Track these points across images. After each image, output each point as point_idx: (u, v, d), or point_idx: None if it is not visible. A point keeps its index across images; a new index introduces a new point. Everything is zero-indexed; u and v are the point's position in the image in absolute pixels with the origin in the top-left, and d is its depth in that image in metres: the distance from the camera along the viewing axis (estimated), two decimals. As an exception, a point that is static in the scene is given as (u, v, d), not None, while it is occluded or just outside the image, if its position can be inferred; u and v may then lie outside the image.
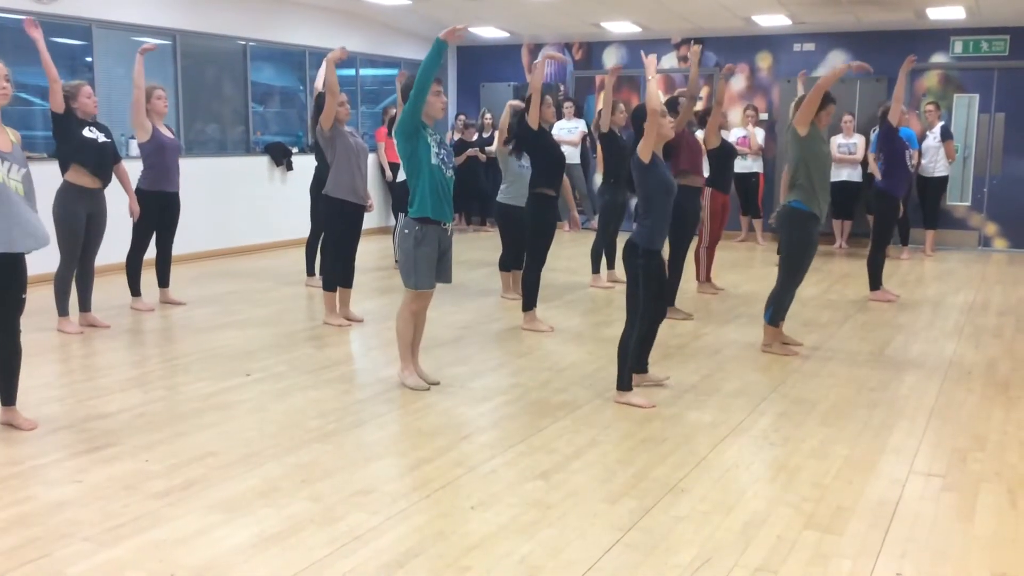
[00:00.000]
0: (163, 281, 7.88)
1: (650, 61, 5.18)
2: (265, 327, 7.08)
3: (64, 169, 6.73)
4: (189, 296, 8.14)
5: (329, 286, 7.15)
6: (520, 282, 7.42)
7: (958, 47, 12.12)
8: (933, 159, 11.40)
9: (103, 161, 6.80)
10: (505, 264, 8.37)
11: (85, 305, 6.98)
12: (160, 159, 7.47)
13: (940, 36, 12.11)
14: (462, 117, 13.95)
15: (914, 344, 6.79)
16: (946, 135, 11.37)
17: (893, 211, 8.36)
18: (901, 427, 4.84)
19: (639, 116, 5.20)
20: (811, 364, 6.13)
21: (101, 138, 6.82)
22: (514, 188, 7.81)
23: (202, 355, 6.24)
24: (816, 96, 6.15)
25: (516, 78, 14.05)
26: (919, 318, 7.72)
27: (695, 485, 4.00)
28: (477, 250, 11.49)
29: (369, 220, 7.29)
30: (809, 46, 12.84)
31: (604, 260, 9.06)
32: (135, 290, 7.67)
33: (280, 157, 11.73)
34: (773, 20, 12.09)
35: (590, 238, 9.39)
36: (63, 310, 6.80)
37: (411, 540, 3.43)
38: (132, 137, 9.91)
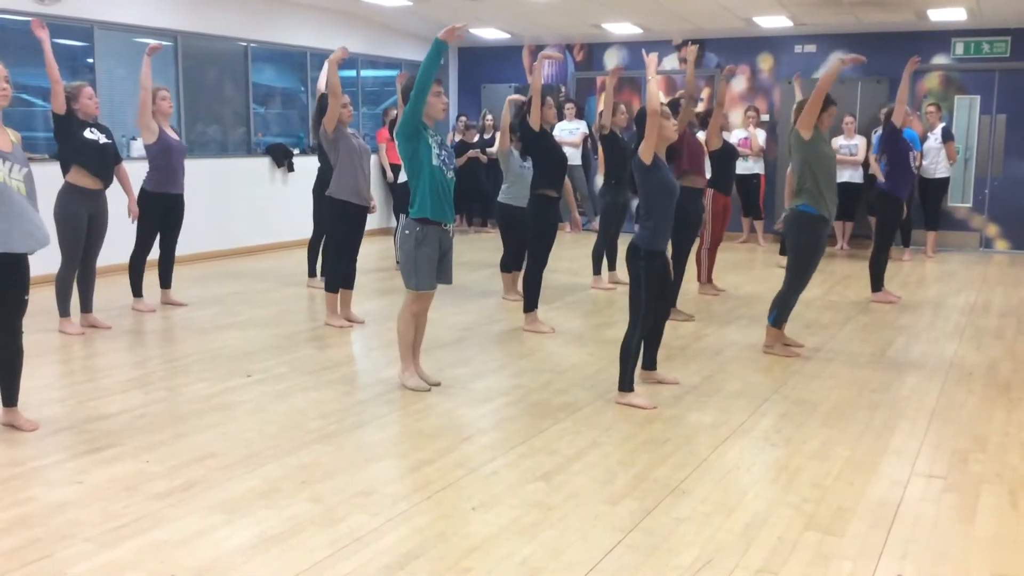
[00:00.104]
0: (165, 282, 7.88)
1: (651, 60, 5.18)
2: (266, 328, 7.08)
3: (65, 170, 6.74)
4: (190, 297, 8.14)
5: (331, 287, 7.15)
6: (521, 283, 7.41)
7: (959, 48, 12.13)
8: (934, 160, 11.39)
9: (104, 162, 6.81)
10: (506, 265, 8.37)
11: (86, 306, 6.99)
12: (167, 161, 7.48)
13: (941, 37, 12.12)
14: (463, 118, 13.96)
15: (915, 345, 6.78)
16: (947, 136, 11.37)
17: (896, 212, 8.36)
18: (902, 428, 4.84)
19: (643, 118, 5.21)
20: (812, 365, 6.13)
21: (102, 139, 6.82)
22: (515, 189, 7.81)
23: (203, 356, 6.24)
24: (818, 99, 6.15)
25: (517, 79, 14.04)
26: (920, 319, 7.72)
27: (696, 486, 4.00)
28: (478, 251, 11.49)
29: (370, 221, 7.28)
30: (810, 47, 12.85)
31: (605, 261, 9.06)
32: (137, 291, 7.67)
33: (281, 158, 11.73)
34: (774, 21, 12.09)
35: (591, 239, 9.39)
36: (64, 311, 6.80)
37: (412, 541, 3.43)
38: (133, 138, 9.93)
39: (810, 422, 4.92)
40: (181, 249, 7.98)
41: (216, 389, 5.44)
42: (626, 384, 5.20)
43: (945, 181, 11.59)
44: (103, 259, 7.15)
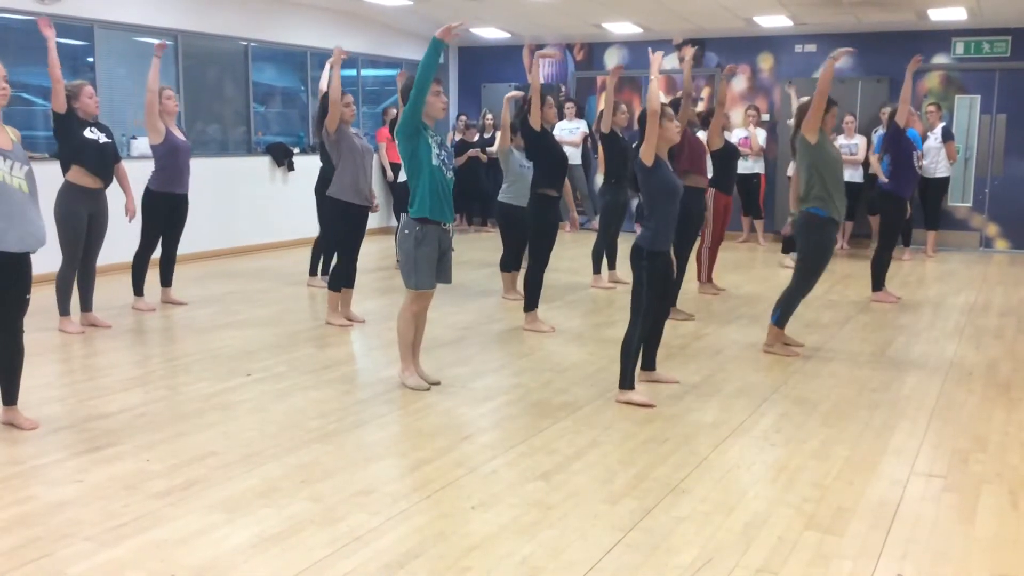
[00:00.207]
0: (166, 281, 7.88)
1: (656, 58, 5.20)
2: (266, 327, 7.08)
3: (65, 169, 6.74)
4: (190, 296, 8.14)
5: (335, 286, 7.15)
6: (522, 282, 7.41)
7: (959, 48, 12.12)
8: (934, 160, 11.39)
9: (104, 162, 6.81)
10: (506, 265, 8.37)
11: (86, 305, 6.99)
12: (172, 161, 7.48)
13: (941, 37, 12.12)
14: (463, 118, 13.96)
15: (915, 345, 6.78)
16: (947, 136, 11.37)
17: (900, 212, 8.35)
18: (902, 428, 4.84)
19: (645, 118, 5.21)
20: (812, 365, 6.13)
21: (102, 139, 6.82)
22: (515, 188, 7.81)
23: (203, 355, 6.24)
24: (820, 102, 6.15)
25: (517, 79, 14.03)
26: (920, 319, 7.72)
27: (696, 486, 4.00)
28: (478, 250, 11.49)
29: (370, 220, 7.29)
30: (810, 47, 12.84)
31: (605, 260, 9.06)
32: (138, 290, 7.67)
33: (281, 157, 11.74)
34: (774, 21, 12.09)
35: (591, 239, 9.39)
36: (64, 310, 6.80)
37: (412, 541, 3.43)
38: (133, 137, 9.94)
39: (810, 421, 4.92)
40: (181, 248, 7.97)
41: (216, 388, 5.44)
42: (626, 382, 5.21)
43: (945, 181, 11.59)
44: (103, 258, 7.16)
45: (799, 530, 3.57)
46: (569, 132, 12.72)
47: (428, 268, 5.28)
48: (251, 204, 11.28)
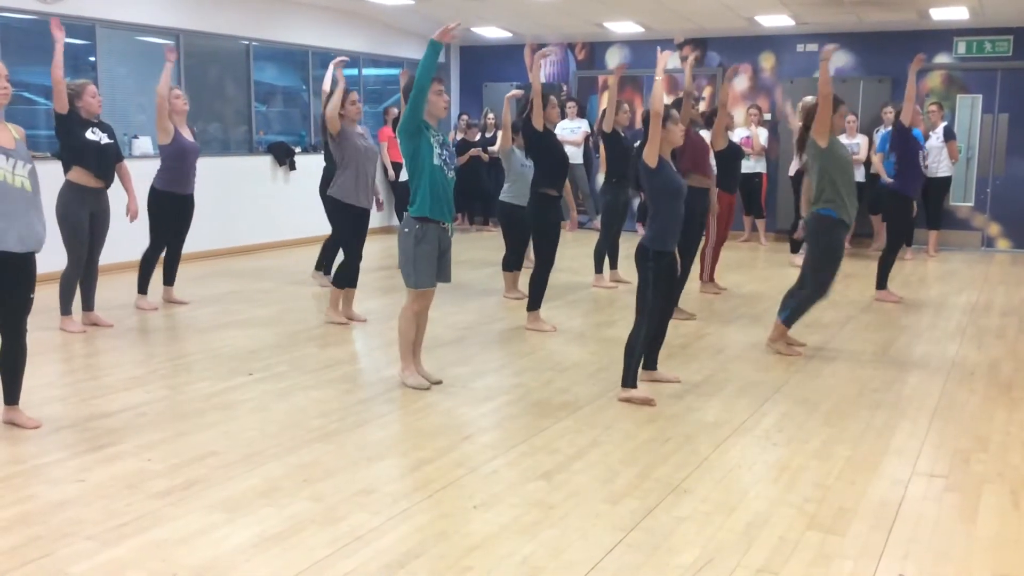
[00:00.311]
0: (168, 279, 7.89)
1: (663, 57, 5.21)
2: (267, 327, 7.09)
3: (66, 169, 6.74)
4: (191, 296, 8.14)
5: (339, 283, 7.17)
6: (525, 282, 7.41)
7: (961, 47, 12.11)
8: (936, 160, 11.37)
9: (105, 163, 6.80)
10: (508, 264, 8.37)
11: (88, 304, 6.98)
12: (179, 163, 7.49)
13: (943, 36, 12.10)
14: (464, 117, 13.95)
15: (917, 345, 6.78)
16: (949, 135, 11.35)
17: (906, 211, 8.34)
18: (904, 428, 4.84)
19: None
20: (814, 364, 6.12)
21: (104, 139, 6.81)
22: (516, 187, 7.81)
23: (204, 355, 6.24)
24: (825, 106, 6.14)
25: (519, 78, 14.02)
26: (922, 319, 7.72)
27: (697, 485, 4.00)
28: (479, 250, 11.48)
29: (372, 220, 7.30)
30: (812, 46, 12.82)
31: (607, 260, 9.05)
32: (143, 288, 7.67)
33: (283, 157, 11.74)
34: (776, 20, 12.08)
35: (592, 238, 9.39)
36: (66, 309, 6.81)
37: (412, 540, 3.43)
38: (135, 136, 9.94)
39: (812, 421, 4.92)
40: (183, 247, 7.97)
41: (217, 388, 5.44)
42: (629, 380, 5.22)
43: (947, 180, 11.57)
44: (104, 257, 7.15)
45: (801, 530, 3.56)
46: (571, 131, 12.71)
47: (427, 267, 5.28)
48: (252, 204, 11.28)
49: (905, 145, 8.19)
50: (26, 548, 3.33)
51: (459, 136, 13.72)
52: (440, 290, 5.61)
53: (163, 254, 7.77)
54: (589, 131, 12.83)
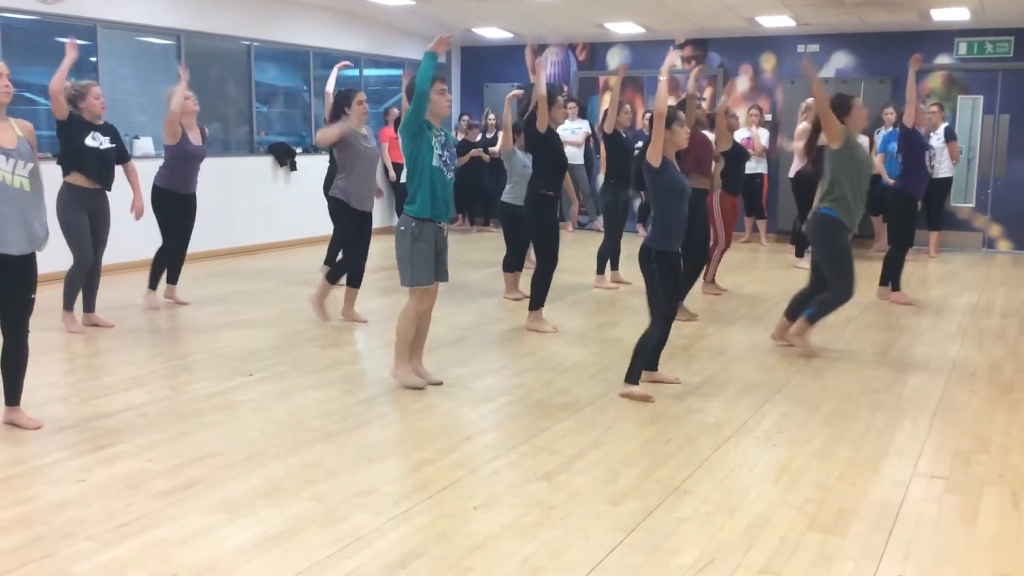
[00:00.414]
0: (172, 278, 7.89)
1: (670, 56, 5.25)
2: (268, 327, 7.09)
3: (65, 173, 6.73)
4: (192, 296, 8.14)
5: (331, 278, 7.19)
6: (525, 283, 7.41)
7: (962, 48, 12.11)
8: (937, 160, 11.33)
9: (104, 168, 6.78)
10: (509, 265, 8.36)
11: (89, 306, 6.98)
12: (181, 164, 7.50)
13: (944, 37, 12.10)
14: (465, 118, 13.95)
15: (918, 346, 6.78)
16: (950, 136, 11.34)
17: (911, 211, 8.32)
18: (904, 429, 4.84)
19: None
20: (815, 365, 6.12)
21: (104, 144, 6.77)
22: (518, 188, 7.81)
23: (205, 355, 6.24)
24: (825, 111, 6.11)
25: (520, 78, 14.02)
26: (923, 320, 7.71)
27: (698, 486, 4.00)
28: (480, 250, 11.48)
29: (374, 220, 7.31)
30: (813, 47, 12.83)
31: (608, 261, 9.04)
32: (153, 283, 7.72)
33: (284, 157, 11.74)
34: (777, 21, 12.08)
35: (593, 239, 9.40)
36: (69, 305, 6.81)
37: (413, 541, 3.43)
38: (136, 137, 9.95)
39: (812, 422, 4.92)
40: (185, 248, 7.98)
41: (218, 388, 5.44)
42: (632, 376, 5.27)
43: (948, 181, 11.56)
44: (105, 258, 7.14)
45: (801, 531, 3.56)
46: (571, 132, 12.70)
47: (424, 265, 5.29)
48: (253, 204, 11.28)
49: (911, 144, 8.18)
50: (27, 548, 3.33)
51: (460, 137, 13.71)
52: (440, 290, 5.61)
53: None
54: (590, 132, 12.83)
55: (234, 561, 3.26)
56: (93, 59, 9.66)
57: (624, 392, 5.26)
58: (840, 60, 12.66)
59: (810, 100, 10.36)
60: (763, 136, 12.26)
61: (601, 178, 9.89)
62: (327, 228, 7.53)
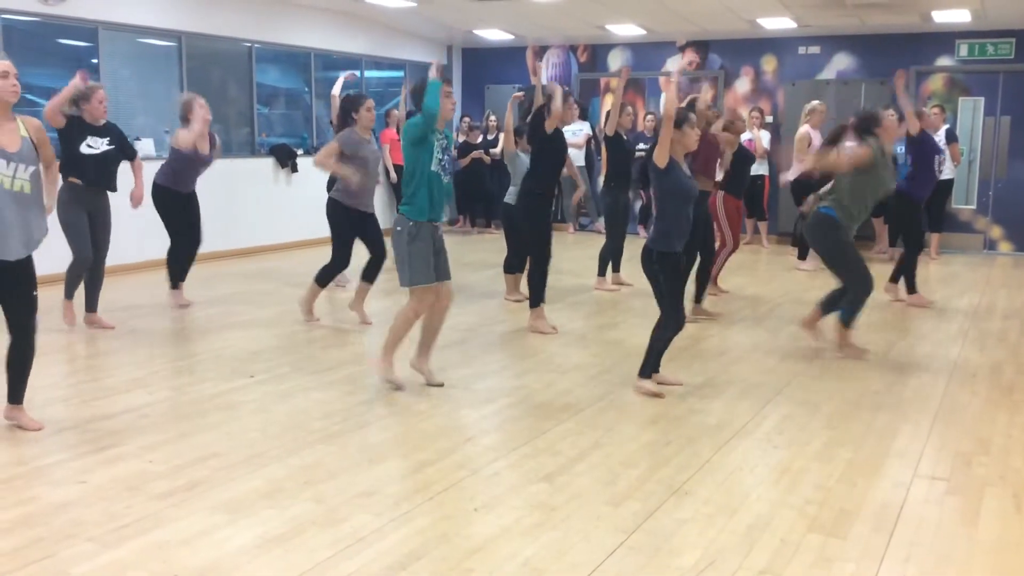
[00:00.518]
0: (181, 275, 7.91)
1: (683, 61, 5.27)
2: (269, 328, 7.09)
3: (64, 176, 6.72)
4: (193, 297, 8.13)
5: (320, 280, 7.21)
6: (526, 281, 7.42)
7: (963, 50, 12.11)
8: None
9: (102, 171, 6.76)
10: (511, 266, 8.37)
11: (91, 306, 6.99)
12: (183, 167, 7.51)
13: (945, 39, 12.10)
14: (467, 119, 13.96)
15: (919, 347, 6.78)
16: (951, 138, 11.33)
17: (912, 214, 8.30)
18: (905, 430, 4.83)
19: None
20: (816, 367, 6.12)
21: (103, 147, 6.76)
22: (521, 190, 7.82)
23: (206, 356, 6.25)
24: (835, 167, 6.14)
25: (521, 80, 14.03)
26: (924, 321, 7.71)
27: (699, 488, 4.00)
28: (481, 252, 11.49)
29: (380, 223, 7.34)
30: (814, 49, 12.84)
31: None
32: (174, 283, 7.77)
33: (285, 159, 11.74)
34: (778, 23, 12.08)
35: (595, 240, 9.40)
36: (69, 294, 6.82)
37: (414, 542, 3.43)
38: (137, 138, 9.95)
39: (813, 423, 4.92)
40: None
41: (219, 389, 5.44)
42: (644, 371, 5.33)
43: (949, 183, 11.54)
44: (107, 259, 7.14)
45: (802, 532, 3.56)
46: (572, 134, 12.67)
47: (423, 264, 5.30)
48: (255, 206, 11.29)
49: (921, 148, 8.17)
50: (28, 549, 3.34)
51: (461, 139, 13.72)
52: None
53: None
54: (591, 133, 12.84)
55: (235, 562, 3.26)
56: (94, 61, 9.66)
57: (638, 386, 5.29)
58: (841, 62, 12.66)
59: (815, 103, 10.37)
60: (764, 138, 12.25)
61: (602, 180, 9.88)
62: (328, 230, 7.52)
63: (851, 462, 4.34)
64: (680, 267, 5.36)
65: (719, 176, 7.97)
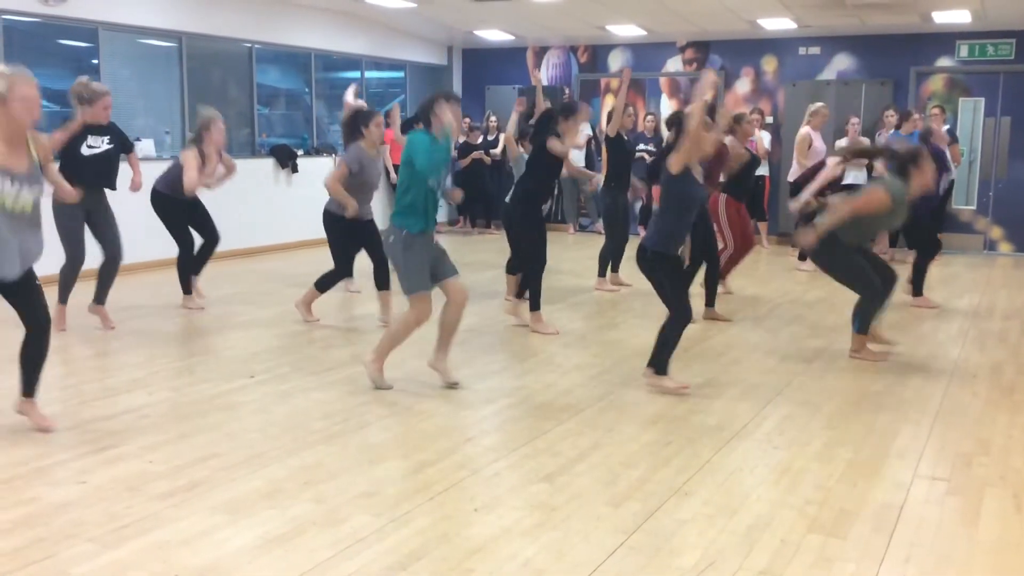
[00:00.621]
0: (196, 270, 7.91)
1: (709, 78, 5.35)
2: (269, 329, 7.09)
3: (64, 176, 6.72)
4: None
5: (320, 285, 7.21)
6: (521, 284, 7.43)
7: (964, 51, 12.11)
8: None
9: (102, 170, 6.78)
10: (512, 267, 8.35)
11: (100, 298, 6.97)
12: (182, 175, 7.51)
13: (946, 40, 12.10)
14: (467, 120, 13.96)
15: (919, 348, 6.77)
16: (952, 139, 11.34)
17: (914, 219, 8.27)
18: (905, 431, 4.83)
19: (675, 121, 5.28)
20: (816, 367, 6.12)
21: (103, 146, 6.78)
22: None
23: (206, 356, 6.25)
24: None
25: (521, 81, 14.05)
26: (924, 322, 7.71)
27: (699, 488, 4.00)
28: (481, 252, 11.49)
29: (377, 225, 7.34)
30: (814, 50, 12.84)
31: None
32: (186, 289, 7.75)
33: (285, 159, 11.74)
34: (778, 24, 12.08)
35: (595, 241, 9.40)
36: (63, 298, 6.81)
37: (414, 542, 3.43)
38: (137, 139, 9.95)
39: (813, 424, 4.92)
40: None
41: (219, 390, 5.44)
42: (662, 367, 5.33)
43: (949, 184, 11.56)
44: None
45: (802, 533, 3.56)
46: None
47: (418, 274, 5.31)
48: (255, 206, 11.28)
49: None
50: (28, 550, 3.34)
51: (461, 139, 13.72)
52: (439, 293, 5.60)
53: (195, 250, 7.78)
54: (591, 134, 12.83)
55: (235, 562, 3.26)
56: (95, 61, 9.67)
57: (654, 383, 5.31)
58: (841, 62, 12.66)
59: (818, 105, 10.37)
60: (765, 139, 12.26)
61: (602, 180, 9.88)
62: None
63: (851, 462, 4.34)
64: (680, 267, 5.36)
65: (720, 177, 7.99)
